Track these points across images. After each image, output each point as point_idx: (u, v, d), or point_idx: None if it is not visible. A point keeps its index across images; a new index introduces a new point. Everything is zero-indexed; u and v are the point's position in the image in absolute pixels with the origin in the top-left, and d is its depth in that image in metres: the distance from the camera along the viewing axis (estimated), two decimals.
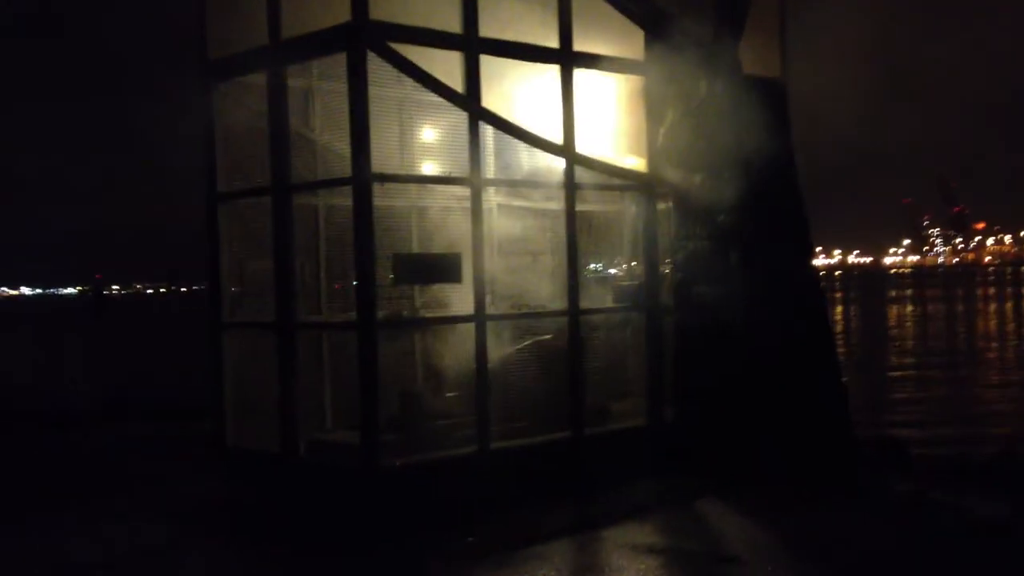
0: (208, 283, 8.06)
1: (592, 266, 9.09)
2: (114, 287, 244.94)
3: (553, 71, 7.80)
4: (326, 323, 7.81)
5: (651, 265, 8.40)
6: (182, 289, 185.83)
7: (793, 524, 6.77)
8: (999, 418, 18.12)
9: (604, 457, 7.79)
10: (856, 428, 8.70)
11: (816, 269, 9.27)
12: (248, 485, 7.67)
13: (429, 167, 7.89)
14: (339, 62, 6.98)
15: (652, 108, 8.40)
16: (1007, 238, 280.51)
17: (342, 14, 6.83)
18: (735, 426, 7.96)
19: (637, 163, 8.40)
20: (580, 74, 7.90)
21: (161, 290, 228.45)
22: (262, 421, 7.60)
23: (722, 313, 8.00)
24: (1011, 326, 42.30)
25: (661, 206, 8.53)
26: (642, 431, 8.22)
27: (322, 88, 7.78)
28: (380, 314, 6.96)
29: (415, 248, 7.86)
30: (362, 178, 6.77)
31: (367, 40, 6.77)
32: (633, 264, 8.95)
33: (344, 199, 7.25)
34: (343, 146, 7.07)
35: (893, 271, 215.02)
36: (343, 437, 7.29)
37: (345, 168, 6.97)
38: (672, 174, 8.35)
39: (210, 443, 8.12)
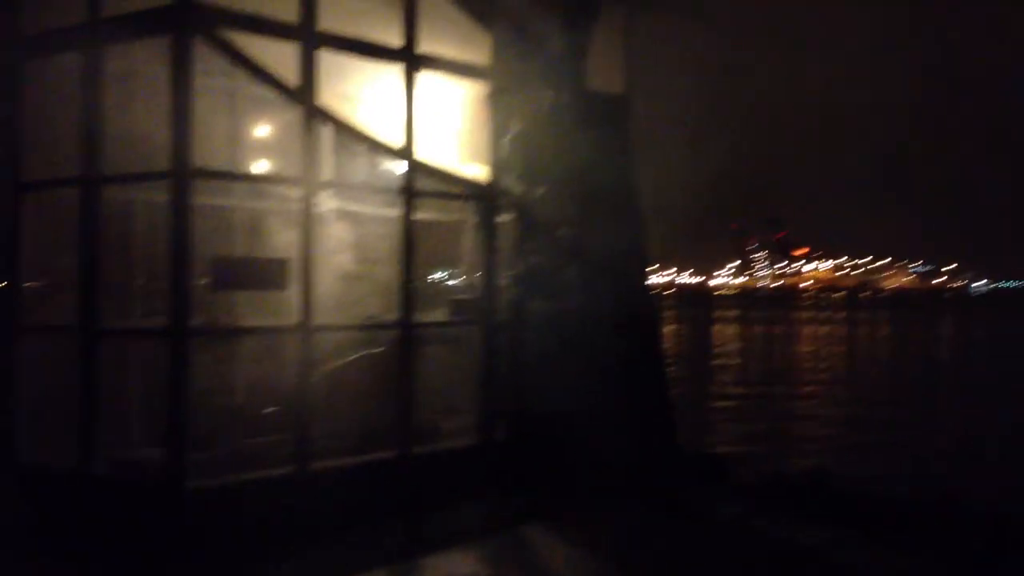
0: (4, 280, 7.32)
1: (431, 277, 8.80)
2: None
3: (396, 72, 7.46)
4: (134, 329, 7.18)
5: (490, 278, 8.16)
6: None
7: (620, 551, 6.63)
8: (813, 436, 18.91)
9: (433, 477, 7.48)
10: (683, 446, 8.74)
11: (651, 288, 9.29)
12: (42, 504, 6.96)
13: (259, 165, 7.42)
14: (163, 46, 6.43)
15: (497, 117, 8.19)
16: (825, 264, 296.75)
17: None
18: (566, 445, 7.82)
19: (481, 172, 8.16)
20: (424, 76, 7.59)
21: None
22: (61, 434, 6.92)
23: (559, 330, 7.88)
24: (826, 349, 44.53)
25: (503, 218, 8.32)
26: (473, 450, 7.95)
27: (145, 74, 7.18)
28: (195, 321, 6.43)
29: (240, 251, 7.36)
30: (182, 173, 6.25)
31: (193, 24, 6.27)
32: (472, 276, 8.70)
33: (164, 195, 6.68)
34: (164, 137, 6.51)
35: (717, 292, 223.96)
36: (149, 454, 6.70)
37: (165, 161, 6.42)
38: (515, 185, 8.18)
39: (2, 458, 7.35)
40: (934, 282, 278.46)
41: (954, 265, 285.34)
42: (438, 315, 8.17)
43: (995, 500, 10.40)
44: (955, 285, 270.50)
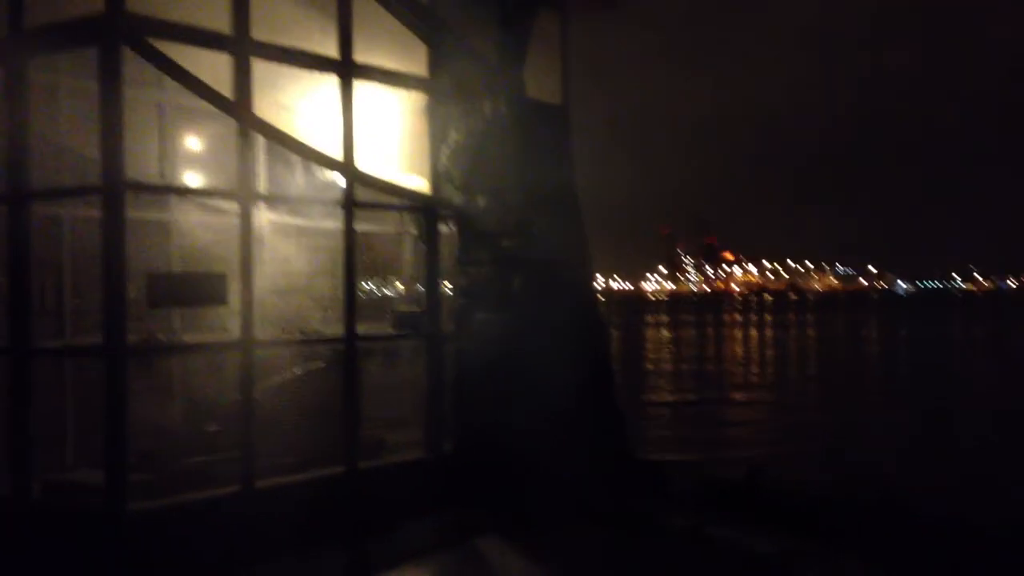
0: None
1: (373, 289, 8.69)
2: None
3: (334, 82, 7.34)
4: (67, 348, 6.95)
5: (432, 290, 8.06)
6: None
7: (574, 564, 6.58)
8: (749, 439, 19.11)
9: (381, 492, 7.35)
10: (633, 454, 8.73)
11: (596, 295, 9.28)
12: None
13: (194, 178, 7.24)
14: (91, 57, 6.23)
15: (436, 127, 8.11)
16: (752, 268, 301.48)
17: (96, 4, 6.10)
18: (513, 458, 7.74)
19: (420, 183, 8.06)
20: (361, 87, 7.48)
21: None
22: None
23: (503, 341, 7.81)
24: (757, 352, 45.16)
25: (444, 229, 8.23)
26: (420, 464, 7.84)
27: (72, 86, 6.97)
28: (131, 338, 6.23)
29: (176, 266, 7.17)
30: (112, 187, 6.04)
31: (121, 34, 6.08)
32: (414, 288, 8.61)
33: (95, 210, 6.48)
34: (94, 151, 6.31)
35: (653, 298, 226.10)
36: (86, 477, 6.47)
37: (95, 176, 6.22)
38: (455, 196, 8.10)
39: None
40: (862, 282, 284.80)
41: (874, 268, 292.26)
42: (381, 328, 8.06)
43: (935, 500, 10.58)
44: (880, 286, 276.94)
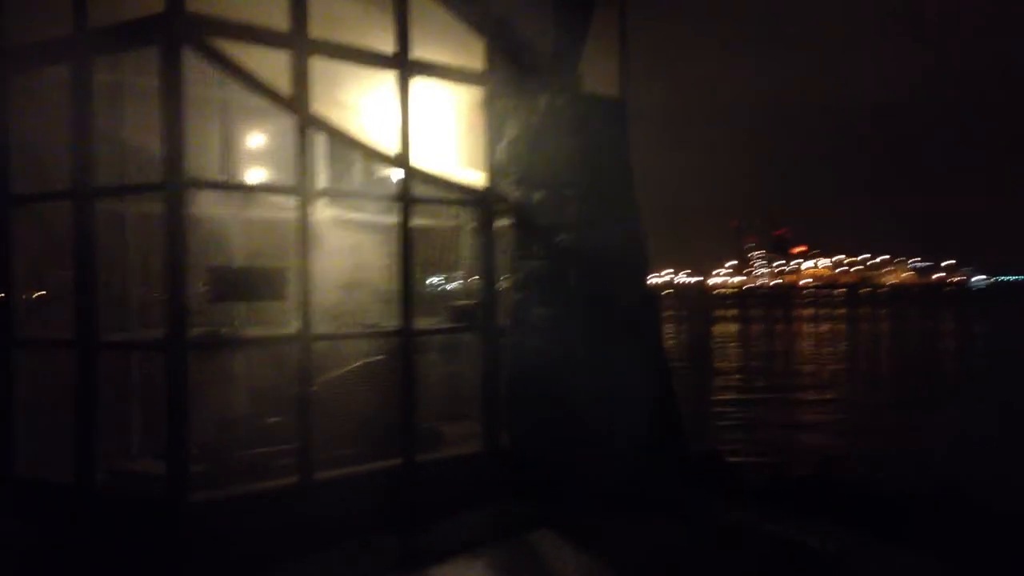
0: None
1: (429, 281, 8.74)
2: None
3: (390, 78, 7.40)
4: (132, 342, 7.12)
5: (489, 284, 8.09)
6: None
7: (631, 559, 6.55)
8: (816, 436, 18.85)
9: (437, 485, 7.40)
10: (690, 448, 8.66)
11: (651, 289, 9.21)
12: (39, 520, 6.89)
13: (254, 175, 7.35)
14: (153, 56, 6.37)
15: (492, 122, 8.13)
16: (824, 261, 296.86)
17: (157, 4, 6.23)
18: (569, 452, 7.74)
19: (477, 177, 8.09)
20: (418, 82, 7.52)
21: None
22: (59, 448, 6.85)
23: (559, 335, 7.80)
24: (827, 347, 44.45)
25: (501, 223, 8.25)
26: (477, 457, 7.88)
27: (135, 85, 7.12)
28: (193, 332, 6.36)
29: (238, 262, 7.30)
30: (175, 184, 6.17)
31: (182, 33, 6.19)
32: (470, 281, 8.64)
33: (158, 206, 6.62)
34: (157, 149, 6.45)
35: (722, 292, 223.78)
36: (149, 467, 6.63)
37: (158, 173, 6.36)
38: (512, 190, 8.11)
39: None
40: (933, 277, 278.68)
41: (952, 260, 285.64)
42: (438, 321, 8.12)
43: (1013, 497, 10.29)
44: (954, 280, 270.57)
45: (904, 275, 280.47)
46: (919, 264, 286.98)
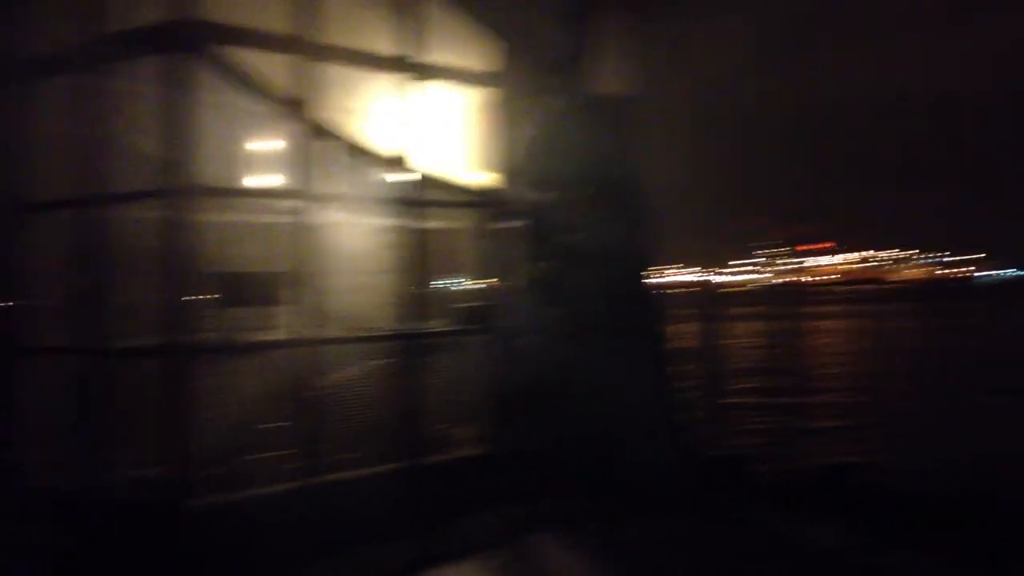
0: (7, 303, 7.30)
1: (438, 284, 8.74)
2: None
3: (400, 81, 7.41)
4: (135, 348, 7.15)
5: (499, 285, 8.10)
6: None
7: (640, 561, 6.55)
8: (838, 434, 18.71)
9: (445, 487, 7.41)
10: (701, 446, 8.63)
11: (653, 288, 9.18)
12: (52, 526, 6.93)
13: (260, 180, 7.36)
14: (162, 64, 6.41)
15: (503, 123, 8.13)
16: (846, 256, 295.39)
17: (164, 11, 6.27)
18: (579, 453, 7.74)
19: (488, 179, 8.10)
20: (429, 86, 7.54)
21: None
22: (66, 455, 6.90)
23: (567, 336, 7.79)
24: (847, 343, 44.19)
25: (510, 225, 8.25)
26: (485, 459, 7.88)
27: (142, 91, 7.15)
28: (196, 337, 6.39)
29: (243, 266, 7.32)
30: (181, 190, 6.21)
31: (189, 40, 6.25)
32: (480, 283, 8.64)
33: (167, 212, 6.66)
34: (164, 155, 6.49)
35: (741, 288, 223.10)
36: (157, 472, 6.65)
37: (166, 179, 6.39)
38: (521, 192, 8.11)
39: (9, 480, 7.32)
40: (959, 270, 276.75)
41: (983, 254, 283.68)
42: (447, 323, 8.12)
43: None
44: (978, 273, 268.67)
45: (926, 269, 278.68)
46: (940, 258, 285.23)
